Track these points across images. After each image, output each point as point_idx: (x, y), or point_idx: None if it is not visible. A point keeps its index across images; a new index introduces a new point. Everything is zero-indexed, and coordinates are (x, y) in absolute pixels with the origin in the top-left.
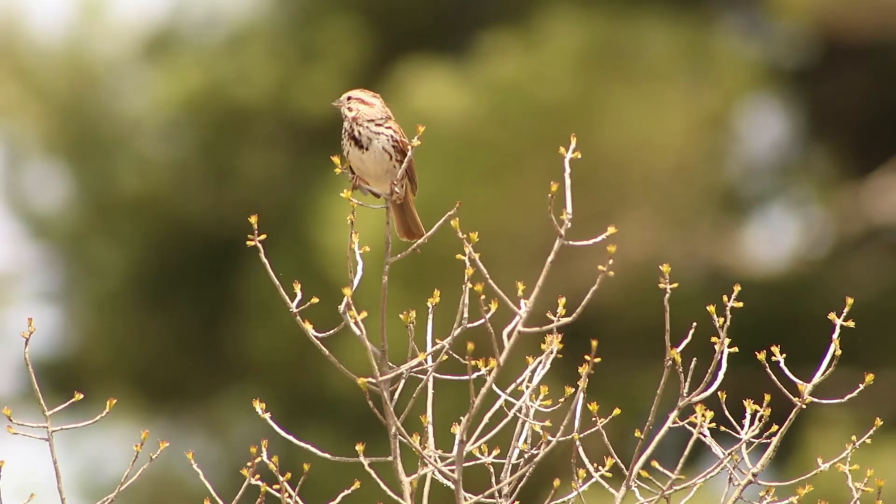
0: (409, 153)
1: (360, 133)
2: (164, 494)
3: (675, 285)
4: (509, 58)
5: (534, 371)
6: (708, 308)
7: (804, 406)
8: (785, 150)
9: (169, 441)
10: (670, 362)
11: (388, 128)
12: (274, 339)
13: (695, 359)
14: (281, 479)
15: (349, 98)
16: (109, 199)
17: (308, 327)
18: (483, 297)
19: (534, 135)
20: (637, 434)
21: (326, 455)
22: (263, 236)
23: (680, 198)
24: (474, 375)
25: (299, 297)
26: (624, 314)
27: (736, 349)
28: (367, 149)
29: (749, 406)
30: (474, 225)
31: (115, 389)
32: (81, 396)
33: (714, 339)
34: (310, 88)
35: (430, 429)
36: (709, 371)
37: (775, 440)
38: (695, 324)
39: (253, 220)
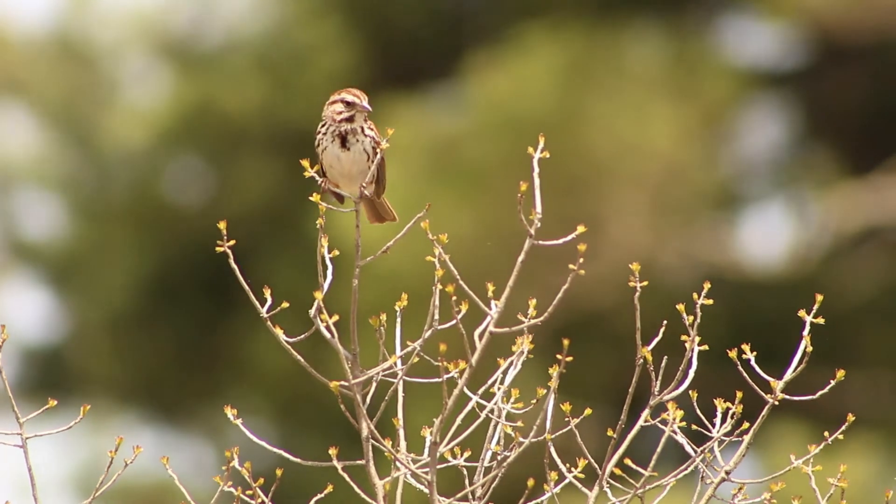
0: (379, 153)
1: (354, 133)
2: (165, 498)
3: (644, 283)
4: (493, 77)
5: (505, 372)
6: (678, 307)
7: (776, 403)
8: (783, 150)
9: (169, 445)
10: (642, 360)
11: (370, 129)
12: (272, 344)
13: (666, 357)
14: (253, 484)
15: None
16: (106, 209)
17: (278, 332)
18: (454, 298)
19: (522, 150)
20: (609, 433)
21: (298, 460)
22: (232, 242)
23: (674, 199)
24: (446, 377)
25: (269, 302)
26: (622, 316)
27: (706, 347)
28: (349, 149)
29: (720, 404)
30: (463, 239)
31: (115, 393)
32: (55, 403)
33: (684, 337)
34: (301, 98)
35: (402, 431)
36: (680, 369)
37: (748, 437)
38: (665, 322)
39: (222, 225)
